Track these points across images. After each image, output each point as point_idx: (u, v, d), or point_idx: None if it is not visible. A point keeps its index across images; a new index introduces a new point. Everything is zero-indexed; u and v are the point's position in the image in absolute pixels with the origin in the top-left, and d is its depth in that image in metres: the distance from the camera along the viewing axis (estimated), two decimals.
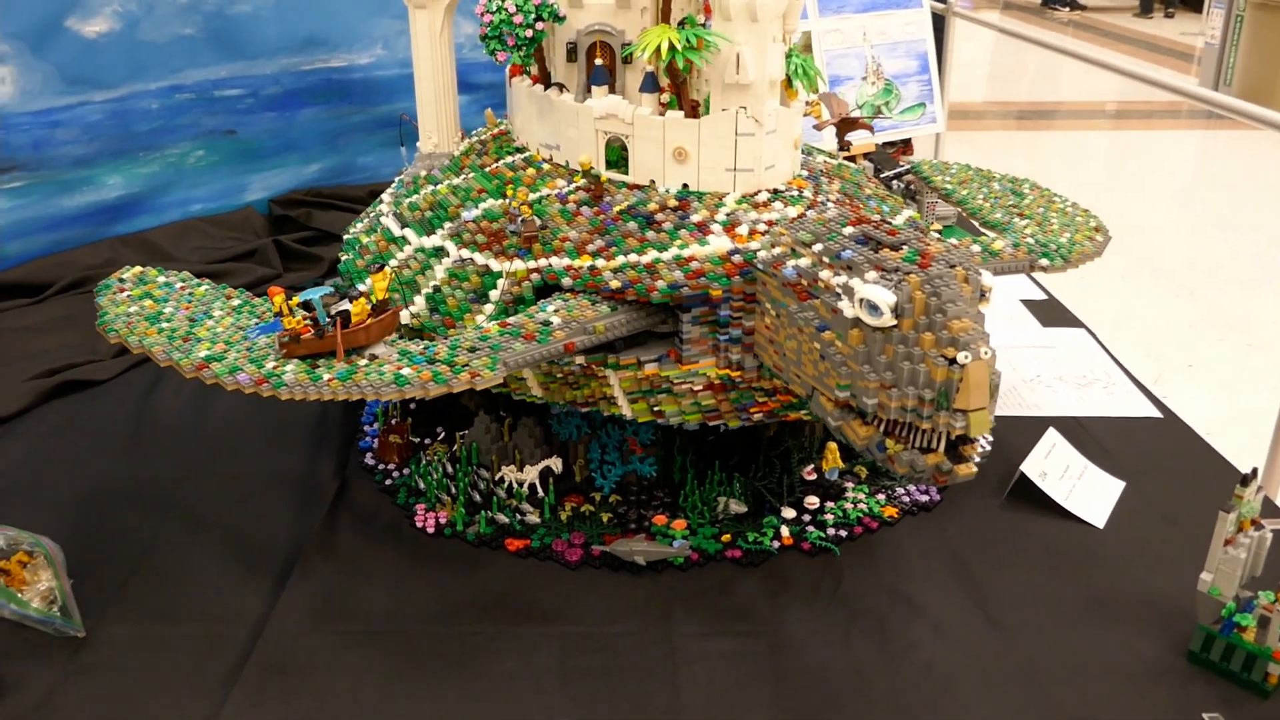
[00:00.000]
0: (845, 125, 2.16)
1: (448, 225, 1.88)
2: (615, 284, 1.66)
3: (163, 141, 3.09)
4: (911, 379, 1.40)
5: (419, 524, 1.89)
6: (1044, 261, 1.94)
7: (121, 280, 1.90)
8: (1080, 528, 1.89)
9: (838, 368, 1.47)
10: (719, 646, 1.61)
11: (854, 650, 1.60)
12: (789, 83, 1.81)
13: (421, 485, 1.97)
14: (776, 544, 1.83)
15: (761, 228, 1.68)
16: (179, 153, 3.13)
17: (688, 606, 1.70)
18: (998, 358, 1.42)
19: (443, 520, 1.89)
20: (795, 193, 1.79)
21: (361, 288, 1.72)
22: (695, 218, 1.71)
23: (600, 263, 1.69)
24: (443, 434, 2.13)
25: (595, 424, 1.97)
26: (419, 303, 1.83)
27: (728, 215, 1.71)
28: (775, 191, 1.78)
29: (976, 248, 1.92)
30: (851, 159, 2.16)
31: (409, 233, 1.94)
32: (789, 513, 1.89)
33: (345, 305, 1.59)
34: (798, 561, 1.80)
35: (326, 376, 1.54)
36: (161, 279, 1.91)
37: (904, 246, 1.51)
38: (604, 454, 1.96)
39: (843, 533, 1.86)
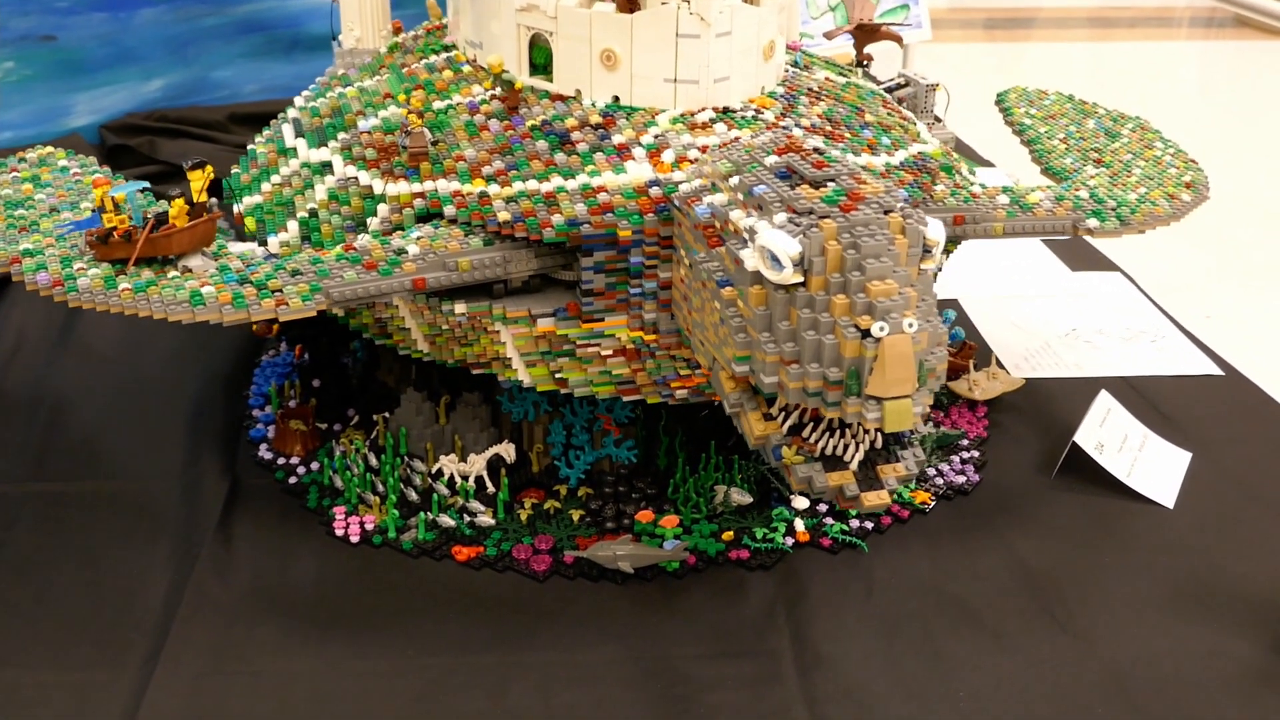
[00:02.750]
0: (864, 34, 2.07)
1: (342, 136, 1.82)
2: (504, 216, 1.59)
3: None
4: (816, 353, 1.32)
5: (340, 532, 1.79)
6: (1092, 222, 1.85)
7: (22, 159, 1.94)
8: (1147, 508, 1.90)
9: (735, 334, 1.39)
10: (735, 671, 1.56)
11: (902, 668, 1.57)
12: None
13: (338, 483, 1.88)
14: (790, 541, 1.79)
15: (693, 155, 1.61)
16: None
17: (690, 622, 1.64)
18: (938, 335, 1.33)
19: (370, 526, 1.80)
20: (752, 113, 1.72)
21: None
22: (617, 139, 1.65)
23: (494, 189, 1.63)
24: (357, 418, 2.04)
25: (556, 400, 1.89)
26: (291, 229, 1.77)
27: (655, 138, 1.65)
28: (725, 110, 1.71)
29: (1004, 198, 1.85)
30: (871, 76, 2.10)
31: (301, 143, 1.88)
32: (801, 502, 1.85)
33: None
34: (818, 561, 1.76)
35: (123, 285, 1.51)
36: (62, 163, 1.94)
37: (829, 184, 1.43)
38: (569, 436, 1.89)
39: (868, 524, 1.82)
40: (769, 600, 1.68)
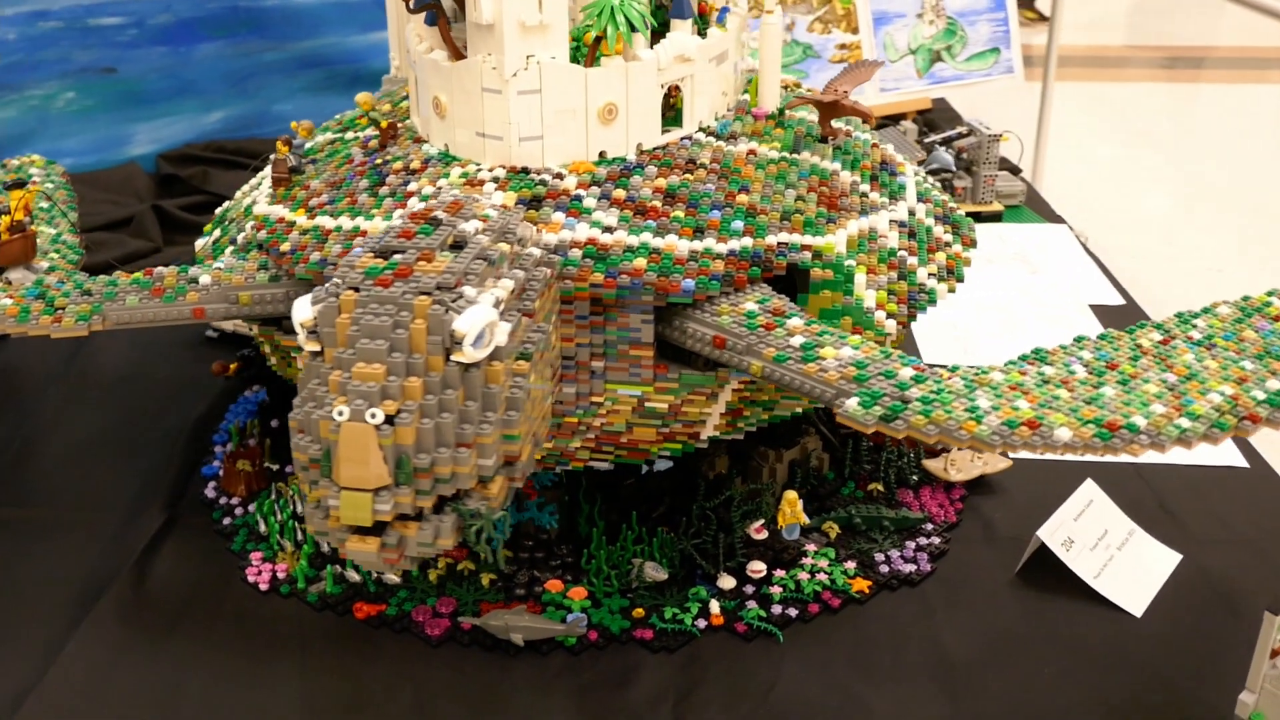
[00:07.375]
0: (828, 110, 1.89)
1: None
2: (285, 247, 1.68)
3: (23, 80, 3.04)
4: (309, 427, 1.30)
5: (251, 578, 1.79)
6: (851, 403, 1.45)
7: (2, 166, 2.17)
8: (1111, 614, 1.73)
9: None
10: None
11: None
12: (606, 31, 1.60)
13: (263, 528, 1.87)
14: (702, 623, 1.70)
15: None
16: (44, 94, 3.08)
17: (569, 704, 1.57)
18: (460, 435, 1.26)
19: (281, 574, 1.79)
20: (546, 178, 1.64)
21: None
22: (413, 185, 1.69)
23: (301, 221, 1.71)
24: None
25: None
26: (214, 235, 1.94)
27: (436, 189, 1.66)
28: (521, 171, 1.66)
29: (798, 340, 1.54)
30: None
31: None
32: (727, 582, 1.75)
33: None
34: (727, 648, 1.67)
35: None
36: (33, 170, 2.18)
37: (393, 255, 1.40)
38: None
39: (792, 611, 1.72)
40: (660, 688, 1.60)
